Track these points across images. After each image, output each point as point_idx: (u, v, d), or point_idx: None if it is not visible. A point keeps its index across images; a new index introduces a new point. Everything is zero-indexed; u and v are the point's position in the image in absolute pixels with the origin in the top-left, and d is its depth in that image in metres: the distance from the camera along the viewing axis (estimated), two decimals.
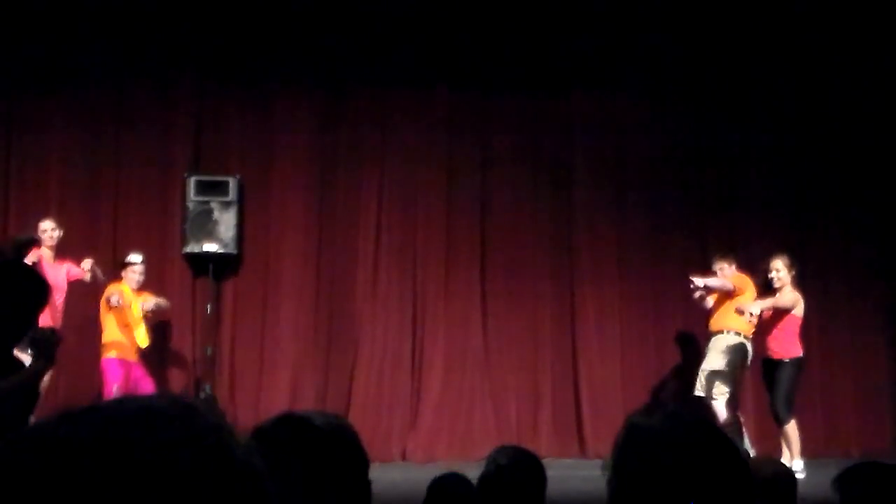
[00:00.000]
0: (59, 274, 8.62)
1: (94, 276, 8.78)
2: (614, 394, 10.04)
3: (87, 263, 8.72)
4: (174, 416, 0.77)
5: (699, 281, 8.68)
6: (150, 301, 8.99)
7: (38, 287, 3.95)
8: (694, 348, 9.42)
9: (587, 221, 10.37)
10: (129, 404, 0.77)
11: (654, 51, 10.30)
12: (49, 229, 8.69)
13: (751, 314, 8.31)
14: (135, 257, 9.04)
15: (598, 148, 10.43)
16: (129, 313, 8.83)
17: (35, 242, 8.53)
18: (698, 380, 8.63)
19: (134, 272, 8.96)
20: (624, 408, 9.50)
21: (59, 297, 8.51)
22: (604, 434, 9.21)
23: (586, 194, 10.38)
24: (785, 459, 8.22)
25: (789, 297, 8.44)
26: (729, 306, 8.62)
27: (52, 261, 8.64)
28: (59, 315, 8.57)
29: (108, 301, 8.69)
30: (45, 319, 8.38)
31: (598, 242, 10.35)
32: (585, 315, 10.27)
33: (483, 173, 10.32)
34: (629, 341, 10.30)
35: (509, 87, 10.30)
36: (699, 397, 8.60)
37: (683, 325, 10.07)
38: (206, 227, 9.55)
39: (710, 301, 8.88)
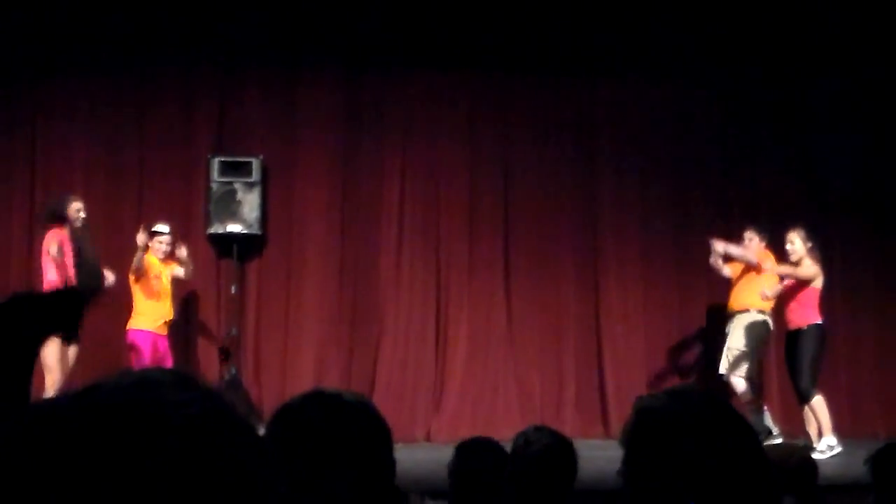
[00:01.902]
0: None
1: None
2: (639, 373, 10.03)
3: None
4: (171, 382, 0.77)
5: (720, 246, 8.69)
6: (179, 269, 9.06)
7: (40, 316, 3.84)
8: (718, 326, 9.38)
9: (611, 199, 10.35)
10: (127, 377, 0.78)
11: (678, 32, 10.23)
12: (80, 209, 8.64)
13: (767, 295, 8.35)
14: (162, 227, 9.07)
15: (622, 124, 10.39)
16: (157, 284, 8.86)
17: (64, 219, 8.52)
18: (723, 357, 8.62)
19: (161, 242, 8.99)
20: (648, 387, 9.52)
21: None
22: (628, 414, 9.18)
23: (610, 171, 10.35)
24: (814, 437, 8.20)
25: (811, 269, 8.40)
26: (749, 282, 8.61)
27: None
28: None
29: (134, 270, 8.73)
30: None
31: (621, 220, 10.33)
32: (609, 294, 10.26)
33: (506, 152, 10.30)
34: (653, 320, 10.28)
35: (532, 69, 10.27)
36: (722, 375, 8.60)
37: (708, 302, 10.04)
38: (230, 208, 9.58)
39: (727, 270, 8.85)
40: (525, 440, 3.33)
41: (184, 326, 9.64)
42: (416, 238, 10.16)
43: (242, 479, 0.74)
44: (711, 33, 10.28)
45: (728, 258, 8.79)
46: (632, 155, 10.37)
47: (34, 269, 8.96)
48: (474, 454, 3.59)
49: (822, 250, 8.58)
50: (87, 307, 4.12)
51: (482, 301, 10.14)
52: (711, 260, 8.88)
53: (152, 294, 8.84)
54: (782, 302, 8.49)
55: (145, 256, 8.87)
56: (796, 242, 8.41)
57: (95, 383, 0.78)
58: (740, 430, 1.68)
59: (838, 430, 8.32)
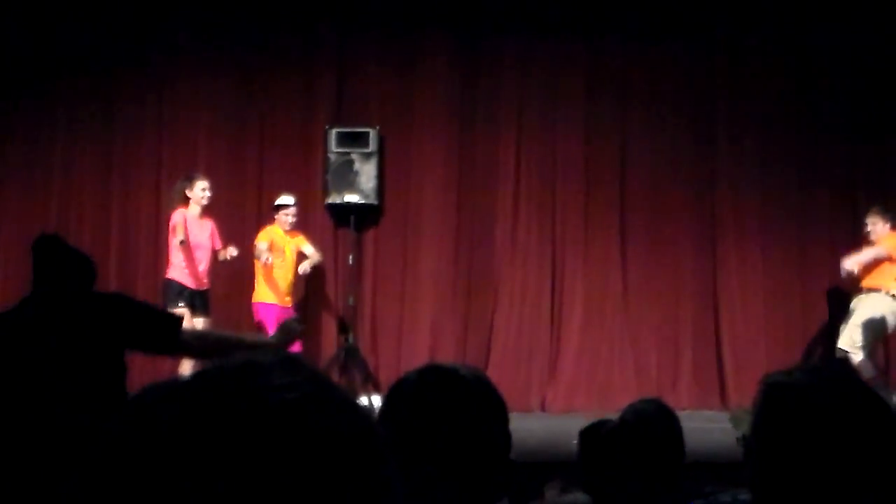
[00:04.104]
0: (204, 232, 8.80)
1: (228, 258, 8.87)
2: (757, 346, 9.86)
3: (233, 251, 8.80)
4: (276, 365, 0.79)
5: (849, 265, 8.52)
6: (307, 246, 9.18)
7: (120, 311, 3.71)
8: (841, 303, 9.16)
9: (730, 171, 10.15)
10: (232, 362, 0.80)
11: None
12: (206, 188, 8.82)
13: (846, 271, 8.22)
14: (287, 199, 9.22)
15: (742, 98, 10.17)
16: (280, 256, 9.01)
17: (188, 198, 8.72)
18: (846, 333, 8.44)
19: (287, 214, 9.15)
20: (766, 360, 9.35)
21: (202, 255, 8.72)
22: (746, 387, 9.05)
23: (729, 144, 10.16)
24: None
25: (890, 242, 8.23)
26: (886, 266, 8.43)
27: (198, 218, 8.80)
28: (204, 272, 8.79)
29: (257, 257, 8.88)
30: (186, 276, 8.61)
31: (740, 193, 10.12)
32: (728, 266, 10.09)
33: (623, 119, 10.19)
34: (772, 294, 10.07)
35: (649, 37, 10.11)
36: (841, 349, 8.43)
37: (830, 279, 9.77)
38: (348, 179, 9.69)
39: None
40: (633, 412, 3.32)
41: (302, 296, 9.81)
42: (531, 207, 10.14)
43: (346, 462, 0.75)
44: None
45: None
46: (751, 122, 10.15)
47: (161, 246, 9.23)
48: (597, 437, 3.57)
49: None
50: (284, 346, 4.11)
51: (598, 270, 10.08)
52: (843, 275, 8.72)
53: (276, 267, 8.99)
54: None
55: (271, 229, 9.03)
56: (878, 223, 8.30)
57: (202, 370, 0.80)
58: (877, 406, 1.66)
59: None
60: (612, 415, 3.48)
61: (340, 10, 10.12)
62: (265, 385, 0.77)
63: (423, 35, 10.19)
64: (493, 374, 9.33)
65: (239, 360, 0.80)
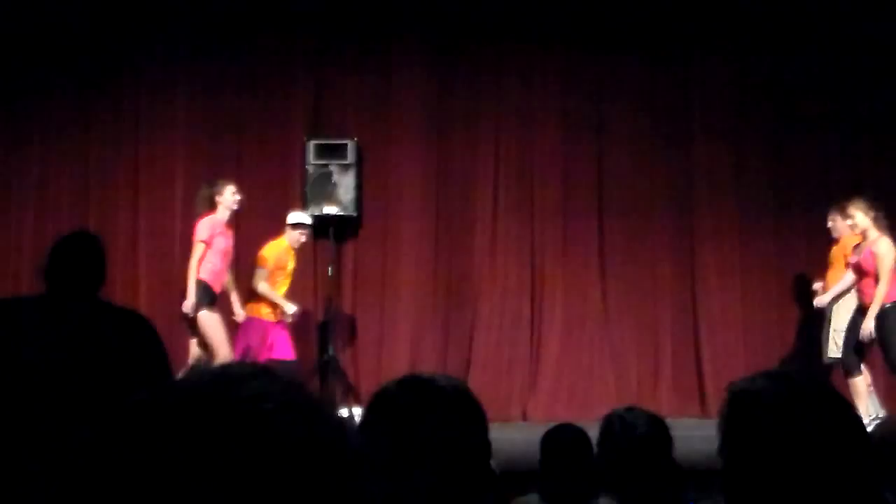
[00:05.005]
0: (230, 240, 8.58)
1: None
2: (736, 352, 9.90)
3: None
4: (250, 376, 0.79)
5: (820, 302, 8.57)
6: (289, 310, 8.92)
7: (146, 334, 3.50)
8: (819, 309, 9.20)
9: (707, 178, 10.20)
10: (207, 373, 0.80)
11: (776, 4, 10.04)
12: (236, 191, 8.57)
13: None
14: (304, 218, 9.06)
15: (717, 103, 10.23)
16: (283, 273, 8.87)
17: (216, 204, 8.49)
18: (830, 342, 8.45)
19: (302, 234, 9.00)
20: (745, 366, 9.35)
21: (225, 264, 8.54)
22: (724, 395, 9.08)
23: (706, 150, 10.21)
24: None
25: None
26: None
27: (226, 224, 8.57)
28: (227, 279, 8.68)
29: (284, 310, 8.75)
30: (216, 281, 8.48)
31: (718, 199, 10.18)
32: (706, 273, 10.14)
33: (599, 129, 10.23)
34: (750, 301, 10.12)
35: (626, 42, 10.16)
36: (832, 360, 8.43)
37: (808, 283, 9.81)
38: (326, 190, 9.69)
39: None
40: (620, 420, 3.33)
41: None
42: (510, 216, 10.17)
43: (319, 471, 0.75)
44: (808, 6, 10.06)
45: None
46: (728, 132, 10.21)
47: (139, 260, 9.16)
48: (560, 442, 3.60)
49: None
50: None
51: (577, 279, 10.10)
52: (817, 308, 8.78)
53: (280, 284, 8.86)
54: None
55: (278, 242, 8.88)
56: (857, 216, 8.21)
57: (176, 380, 0.80)
58: (841, 412, 1.67)
59: None
60: (593, 423, 3.49)
61: (317, 21, 10.12)
62: (239, 396, 0.77)
63: (399, 45, 10.21)
64: (473, 383, 9.33)
65: (213, 371, 0.80)
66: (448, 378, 1.85)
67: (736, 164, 10.21)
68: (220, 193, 8.50)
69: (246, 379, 0.79)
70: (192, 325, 8.31)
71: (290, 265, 8.97)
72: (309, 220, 9.08)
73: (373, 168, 10.08)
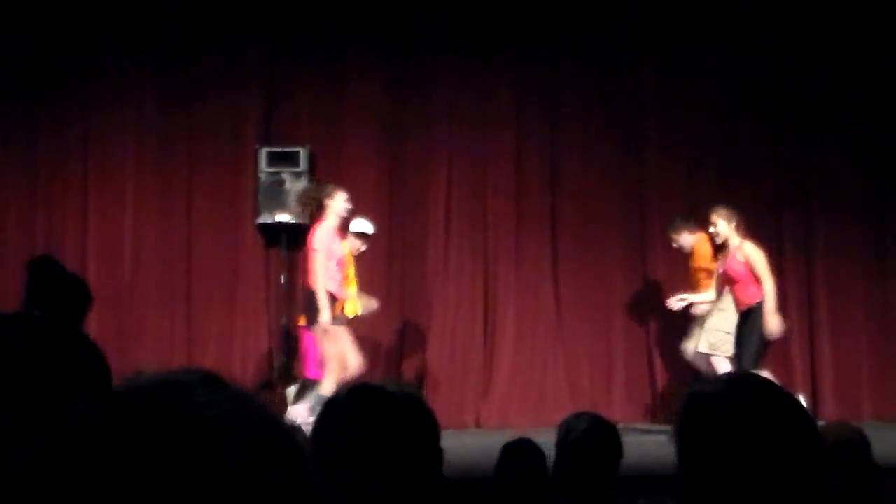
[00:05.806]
0: (342, 248, 8.31)
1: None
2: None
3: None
4: (197, 383, 0.78)
5: (674, 304, 8.93)
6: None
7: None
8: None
9: (659, 186, 10.27)
10: (153, 379, 0.79)
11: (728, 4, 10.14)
12: (346, 199, 8.19)
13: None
14: (370, 228, 8.92)
15: (669, 109, 10.31)
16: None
17: (321, 208, 8.12)
18: (702, 339, 8.68)
19: (365, 244, 8.90)
20: (697, 372, 9.43)
21: (345, 273, 8.35)
22: (679, 400, 9.15)
23: (658, 159, 10.28)
24: None
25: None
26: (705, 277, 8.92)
27: (335, 231, 8.21)
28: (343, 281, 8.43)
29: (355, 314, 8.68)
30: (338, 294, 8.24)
31: (670, 206, 10.24)
32: (658, 279, 10.20)
33: (552, 137, 10.27)
34: None
35: (577, 49, 10.22)
36: (700, 353, 8.65)
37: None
38: (278, 198, 9.64)
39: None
40: (567, 427, 3.34)
41: (232, 316, 9.73)
42: (463, 225, 10.17)
43: (269, 479, 0.74)
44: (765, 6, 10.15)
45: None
46: (679, 141, 10.28)
47: (88, 271, 9.04)
48: (517, 456, 3.62)
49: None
50: None
51: (530, 287, 10.13)
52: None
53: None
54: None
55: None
56: (719, 224, 8.39)
57: (121, 386, 0.79)
58: (795, 414, 1.68)
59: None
60: (547, 429, 3.50)
61: (270, 29, 10.07)
62: (187, 403, 0.75)
63: (353, 54, 10.18)
64: (427, 391, 9.34)
65: (160, 377, 0.79)
66: (399, 385, 1.85)
67: (688, 172, 10.29)
68: (330, 198, 8.08)
69: (194, 386, 0.78)
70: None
71: (350, 271, 8.75)
72: (371, 230, 8.92)
73: (325, 176, 10.00)
